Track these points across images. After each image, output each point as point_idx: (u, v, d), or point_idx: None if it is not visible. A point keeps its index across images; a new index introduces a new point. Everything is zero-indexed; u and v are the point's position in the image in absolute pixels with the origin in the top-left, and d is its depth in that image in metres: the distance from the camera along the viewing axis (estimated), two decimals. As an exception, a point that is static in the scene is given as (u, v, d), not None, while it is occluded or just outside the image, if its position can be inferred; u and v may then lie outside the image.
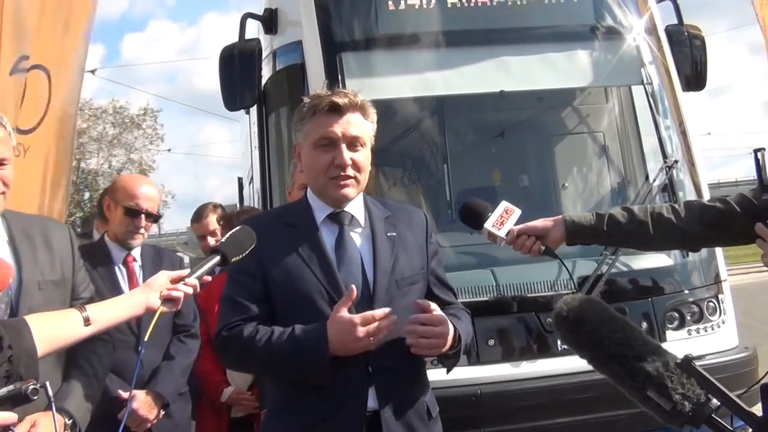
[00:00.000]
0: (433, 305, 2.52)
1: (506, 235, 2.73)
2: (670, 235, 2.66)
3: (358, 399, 2.49)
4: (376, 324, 2.40)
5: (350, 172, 2.58)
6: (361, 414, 2.48)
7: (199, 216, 5.07)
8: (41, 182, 3.87)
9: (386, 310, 2.44)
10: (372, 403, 2.50)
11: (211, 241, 4.77)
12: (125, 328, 3.42)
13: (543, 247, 2.71)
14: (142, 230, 3.74)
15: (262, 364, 2.76)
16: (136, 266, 3.74)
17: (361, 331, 2.39)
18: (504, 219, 2.74)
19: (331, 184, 2.59)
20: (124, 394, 3.48)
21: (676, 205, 2.69)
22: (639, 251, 4.09)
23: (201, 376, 4.18)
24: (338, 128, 2.56)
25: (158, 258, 3.84)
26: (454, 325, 2.54)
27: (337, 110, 2.56)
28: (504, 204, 2.78)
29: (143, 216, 3.72)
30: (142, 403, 3.54)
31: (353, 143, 2.58)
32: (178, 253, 5.14)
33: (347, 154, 2.56)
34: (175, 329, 3.83)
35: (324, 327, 2.42)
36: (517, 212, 2.76)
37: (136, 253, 3.77)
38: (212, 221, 4.95)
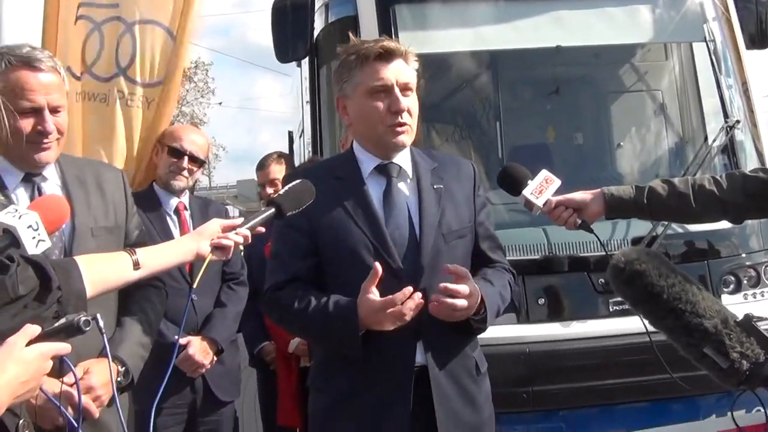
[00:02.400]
0: (465, 272, 2.46)
1: (544, 204, 2.70)
2: (711, 207, 2.60)
3: (405, 354, 2.49)
4: (398, 307, 2.35)
5: (406, 118, 2.55)
6: (409, 369, 2.49)
7: (262, 164, 5.09)
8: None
9: (408, 290, 2.37)
10: (420, 358, 2.50)
11: (270, 190, 4.79)
12: (178, 275, 3.47)
13: (579, 221, 2.67)
14: (185, 172, 3.78)
15: (299, 331, 2.89)
16: (187, 215, 3.78)
17: (386, 316, 2.36)
18: (543, 188, 2.71)
19: (389, 132, 2.56)
20: (182, 341, 3.55)
21: (718, 177, 2.63)
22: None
23: (270, 327, 4.26)
24: (391, 74, 2.53)
25: (205, 208, 3.89)
26: (480, 293, 2.48)
27: (386, 57, 2.53)
28: (544, 173, 2.75)
29: (186, 157, 3.76)
30: (197, 349, 3.62)
31: (405, 89, 2.55)
32: (228, 206, 5.18)
33: (404, 100, 2.52)
34: (223, 277, 3.88)
35: (354, 306, 2.40)
36: (557, 182, 2.73)
37: (185, 200, 3.81)
38: (274, 170, 4.96)
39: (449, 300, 2.40)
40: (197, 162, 3.85)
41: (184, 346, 3.60)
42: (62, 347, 1.79)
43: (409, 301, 2.36)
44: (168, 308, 3.08)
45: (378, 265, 2.38)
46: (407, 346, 2.49)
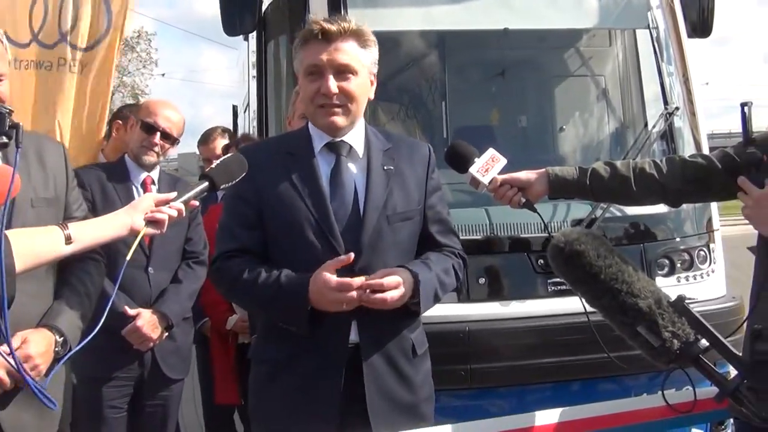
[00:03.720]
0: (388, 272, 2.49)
1: (489, 182, 2.73)
2: (651, 190, 2.66)
3: (340, 331, 2.52)
4: (351, 293, 2.39)
5: (337, 100, 2.55)
6: (343, 346, 2.52)
7: (206, 139, 5.03)
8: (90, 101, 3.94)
9: (362, 279, 2.41)
10: (354, 336, 2.53)
11: None
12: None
13: (523, 200, 2.71)
14: (156, 148, 3.76)
15: (247, 303, 2.90)
16: (154, 189, 3.76)
17: (336, 296, 2.39)
18: (489, 166, 2.74)
19: (319, 113, 2.58)
20: (131, 311, 3.55)
21: (658, 161, 2.69)
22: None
23: (207, 305, 4.23)
24: (325, 56, 2.52)
25: (173, 184, 3.85)
26: (415, 278, 2.52)
27: (326, 37, 2.52)
28: (491, 151, 2.78)
29: (159, 134, 3.72)
30: (146, 321, 3.59)
31: (342, 71, 2.54)
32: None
33: (333, 83, 2.52)
34: (184, 255, 3.85)
35: (306, 282, 2.42)
36: (503, 161, 2.76)
37: (155, 176, 3.79)
38: (219, 145, 4.91)
39: (378, 296, 2.43)
40: (170, 139, 3.82)
41: (134, 318, 3.57)
42: None
43: (359, 289, 2.40)
44: (123, 279, 3.06)
45: (352, 255, 2.42)
46: (342, 324, 2.52)
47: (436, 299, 2.65)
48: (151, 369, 3.73)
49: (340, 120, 2.59)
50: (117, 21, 3.99)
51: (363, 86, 2.62)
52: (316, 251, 2.50)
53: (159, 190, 3.76)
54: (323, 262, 2.45)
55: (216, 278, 2.72)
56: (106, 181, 3.66)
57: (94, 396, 3.60)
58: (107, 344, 3.22)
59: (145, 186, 3.78)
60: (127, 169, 3.79)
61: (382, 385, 2.56)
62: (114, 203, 3.45)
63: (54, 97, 3.83)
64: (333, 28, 2.52)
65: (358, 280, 2.41)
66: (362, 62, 2.59)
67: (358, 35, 2.57)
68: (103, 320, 2.18)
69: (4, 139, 1.87)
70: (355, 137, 2.66)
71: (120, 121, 4.46)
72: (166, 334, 3.71)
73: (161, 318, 3.67)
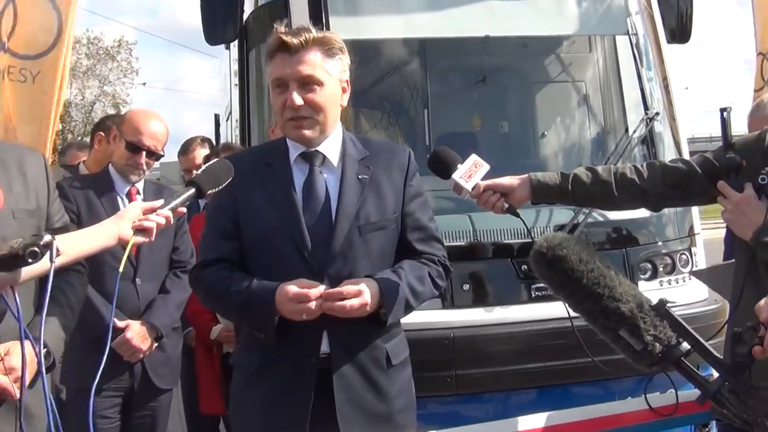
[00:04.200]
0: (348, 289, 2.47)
1: (472, 188, 2.73)
2: (632, 195, 2.67)
3: (311, 342, 2.52)
4: (308, 304, 2.39)
5: (304, 113, 2.52)
6: (315, 356, 2.52)
7: (186, 149, 5.01)
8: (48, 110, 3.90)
9: (321, 289, 2.41)
10: (325, 346, 2.53)
11: None
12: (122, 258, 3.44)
13: (506, 205, 2.71)
14: (142, 167, 3.75)
15: (221, 309, 2.97)
16: (139, 199, 3.75)
17: (293, 307, 2.40)
18: (472, 172, 2.73)
19: (288, 126, 2.56)
20: (120, 324, 3.54)
21: (639, 166, 2.70)
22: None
23: (191, 315, 4.22)
24: (288, 69, 2.49)
25: (159, 193, 3.83)
26: (380, 287, 2.50)
27: (288, 50, 2.49)
28: (474, 157, 2.77)
29: (144, 153, 3.71)
30: (135, 333, 3.58)
31: (307, 83, 2.51)
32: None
33: (297, 96, 2.49)
34: (171, 265, 3.85)
35: (274, 292, 2.43)
36: (486, 167, 2.75)
37: (140, 186, 3.78)
38: (199, 155, 4.90)
39: (337, 304, 2.41)
40: (154, 156, 3.81)
41: (123, 330, 3.56)
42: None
43: (319, 299, 2.40)
44: (112, 291, 3.05)
45: (323, 287, 2.42)
46: (313, 335, 2.52)
47: (408, 308, 2.61)
48: (141, 380, 3.72)
49: (308, 132, 2.56)
50: (64, 26, 3.94)
51: (331, 96, 2.57)
52: (287, 260, 2.50)
53: (144, 200, 3.75)
54: (295, 271, 2.46)
55: (194, 288, 2.74)
56: (91, 193, 3.64)
57: (84, 408, 3.57)
58: (97, 355, 3.19)
59: (130, 196, 3.76)
60: (112, 180, 3.77)
61: (352, 396, 2.53)
62: (99, 215, 3.42)
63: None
64: (293, 40, 2.47)
65: (317, 291, 2.40)
66: (328, 71, 2.54)
67: (322, 44, 2.52)
68: (108, 348, 2.17)
69: (35, 249, 1.87)
70: (330, 146, 2.64)
71: (102, 133, 4.43)
72: (156, 344, 3.70)
73: (150, 329, 3.66)
